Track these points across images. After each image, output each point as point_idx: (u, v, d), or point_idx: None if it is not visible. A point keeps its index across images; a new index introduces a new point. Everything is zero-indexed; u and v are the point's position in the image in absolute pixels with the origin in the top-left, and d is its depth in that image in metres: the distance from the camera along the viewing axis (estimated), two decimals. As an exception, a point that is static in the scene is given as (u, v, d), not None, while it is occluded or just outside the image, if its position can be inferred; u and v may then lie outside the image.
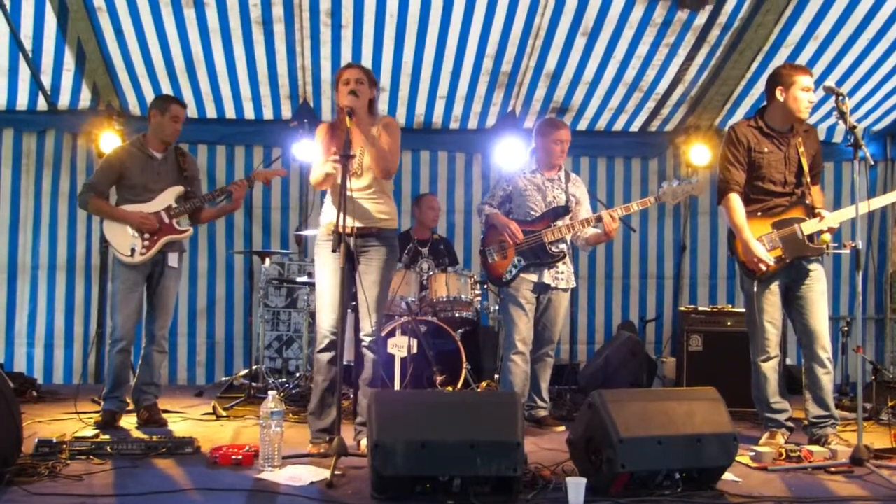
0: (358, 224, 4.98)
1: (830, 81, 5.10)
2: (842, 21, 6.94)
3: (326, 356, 4.99)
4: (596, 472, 4.03)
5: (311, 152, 5.19)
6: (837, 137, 8.36)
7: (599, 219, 5.92)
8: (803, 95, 5.17)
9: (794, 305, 5.34)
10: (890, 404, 6.14)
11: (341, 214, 4.59)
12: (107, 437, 4.92)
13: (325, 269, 5.04)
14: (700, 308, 7.08)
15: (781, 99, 5.23)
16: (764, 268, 5.19)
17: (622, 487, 3.96)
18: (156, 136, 5.90)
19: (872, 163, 6.13)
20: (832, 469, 4.56)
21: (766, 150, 5.29)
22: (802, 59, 7.30)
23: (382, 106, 8.07)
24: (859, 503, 4.02)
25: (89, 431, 5.20)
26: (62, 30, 7.03)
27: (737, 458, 4.36)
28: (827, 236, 5.17)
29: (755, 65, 7.54)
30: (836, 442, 5.06)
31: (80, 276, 8.26)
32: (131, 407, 5.92)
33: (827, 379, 5.22)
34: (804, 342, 5.31)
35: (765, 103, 5.42)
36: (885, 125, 8.45)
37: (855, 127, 4.78)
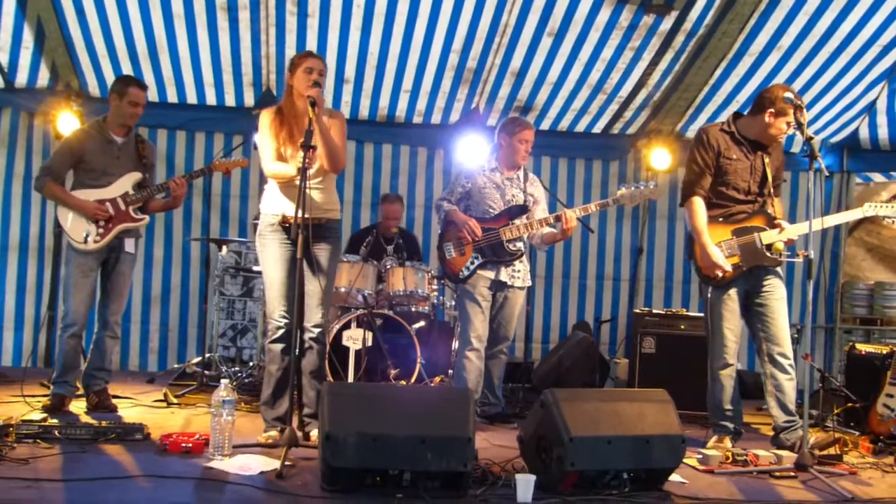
0: (308, 215, 4.96)
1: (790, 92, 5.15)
2: (804, 33, 7.04)
3: (279, 346, 4.96)
4: (545, 469, 4.06)
5: (260, 139, 5.10)
6: (795, 148, 8.47)
7: (558, 218, 5.96)
8: (786, 128, 5.23)
9: (753, 312, 5.40)
10: (836, 412, 6.24)
11: (298, 205, 4.59)
12: (55, 421, 4.86)
13: (273, 259, 5.01)
14: (654, 311, 7.13)
15: (767, 121, 5.25)
16: (720, 274, 5.24)
17: (571, 486, 3.99)
18: (115, 119, 5.81)
19: (828, 174, 6.22)
20: (777, 473, 4.63)
21: (734, 157, 5.33)
22: (764, 69, 7.40)
23: (346, 97, 8.05)
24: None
25: (37, 415, 5.14)
26: (21, 6, 6.92)
27: (684, 460, 4.41)
28: (780, 244, 5.23)
29: (718, 72, 7.62)
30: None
31: (33, 258, 8.14)
32: (81, 392, 5.86)
33: (790, 385, 5.28)
34: (765, 349, 5.35)
35: (745, 112, 5.46)
36: (842, 138, 8.57)
37: (812, 138, 4.84)
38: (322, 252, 5.05)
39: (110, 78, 7.34)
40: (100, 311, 5.88)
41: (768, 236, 5.28)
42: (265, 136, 5.04)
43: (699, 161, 5.38)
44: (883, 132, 8.37)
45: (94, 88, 7.86)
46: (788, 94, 5.09)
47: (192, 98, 8.13)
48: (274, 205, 5.03)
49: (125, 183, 5.79)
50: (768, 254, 5.26)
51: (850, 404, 6.25)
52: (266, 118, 5.07)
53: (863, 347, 6.55)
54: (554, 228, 6.14)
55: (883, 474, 4.81)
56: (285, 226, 4.94)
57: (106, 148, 5.77)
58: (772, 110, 5.22)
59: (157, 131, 8.26)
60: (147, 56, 7.47)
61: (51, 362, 7.63)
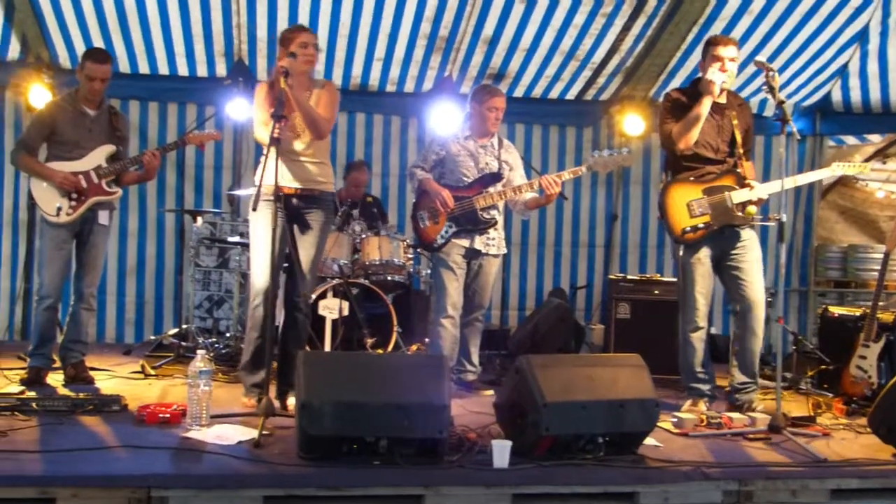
0: (298, 186, 5.00)
1: (762, 56, 5.16)
2: (775, -4, 7.05)
3: (262, 313, 4.97)
4: (521, 435, 4.09)
5: (252, 111, 5.15)
6: (768, 112, 8.50)
7: (540, 185, 5.95)
8: (715, 64, 5.25)
9: (727, 273, 5.44)
10: (809, 374, 6.32)
11: (276, 174, 4.63)
12: (32, 393, 4.87)
13: (263, 228, 4.99)
14: (629, 276, 7.17)
15: (702, 70, 5.34)
16: (715, 89, 5.23)
17: (546, 450, 4.03)
18: (82, 92, 5.77)
19: (800, 138, 6.26)
20: (751, 436, 4.69)
21: None
22: (736, 33, 7.40)
23: (319, 66, 7.96)
24: (775, 468, 4.14)
25: (14, 388, 5.14)
26: (-11, -22, 6.84)
27: (659, 424, 4.47)
28: (753, 208, 5.27)
29: (690, 37, 7.62)
30: (762, 406, 5.17)
31: (7, 231, 8.06)
32: (58, 364, 5.84)
33: (758, 347, 5.36)
34: (737, 309, 5.42)
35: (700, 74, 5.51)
36: (815, 101, 8.61)
37: (783, 102, 4.86)
38: (314, 222, 5.08)
39: (81, 49, 7.24)
40: (75, 284, 5.86)
41: (739, 195, 5.32)
42: (257, 105, 5.09)
43: (667, 116, 5.43)
44: (855, 95, 8.41)
45: (64, 60, 7.76)
46: (718, 45, 5.26)
47: (163, 69, 8.03)
48: (267, 175, 5.02)
49: (98, 156, 5.74)
50: (739, 213, 5.29)
51: (823, 366, 6.33)
52: (260, 91, 5.11)
53: (836, 310, 6.62)
54: (535, 193, 6.16)
55: (856, 435, 4.87)
56: (278, 195, 4.94)
57: (78, 120, 5.72)
58: (702, 59, 5.33)
59: (129, 102, 8.17)
60: (117, 26, 7.37)
61: (27, 335, 7.60)
